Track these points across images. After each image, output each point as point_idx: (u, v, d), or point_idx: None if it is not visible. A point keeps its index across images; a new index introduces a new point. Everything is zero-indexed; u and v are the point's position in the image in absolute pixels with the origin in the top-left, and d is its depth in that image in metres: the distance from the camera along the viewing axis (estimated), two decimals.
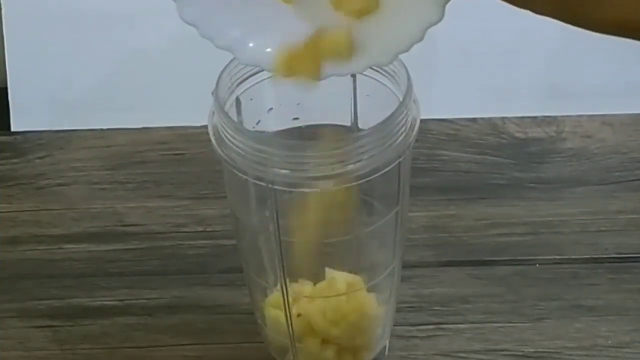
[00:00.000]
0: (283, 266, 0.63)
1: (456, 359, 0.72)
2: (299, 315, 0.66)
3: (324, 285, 0.67)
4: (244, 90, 0.62)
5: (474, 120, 0.89)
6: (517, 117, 0.89)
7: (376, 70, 0.62)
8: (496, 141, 0.88)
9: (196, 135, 0.86)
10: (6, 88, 0.89)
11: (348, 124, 0.66)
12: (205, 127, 0.61)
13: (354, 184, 0.59)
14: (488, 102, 0.89)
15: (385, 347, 0.71)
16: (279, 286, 0.64)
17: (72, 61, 0.89)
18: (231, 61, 0.61)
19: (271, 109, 0.65)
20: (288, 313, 0.65)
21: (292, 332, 0.66)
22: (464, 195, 0.83)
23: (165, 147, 0.88)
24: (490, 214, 0.81)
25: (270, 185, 0.59)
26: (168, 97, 0.89)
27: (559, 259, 0.78)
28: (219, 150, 0.60)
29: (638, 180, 0.84)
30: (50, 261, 0.79)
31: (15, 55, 0.89)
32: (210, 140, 0.60)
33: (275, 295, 0.66)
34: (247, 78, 0.62)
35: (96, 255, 0.79)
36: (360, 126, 0.65)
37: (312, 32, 0.50)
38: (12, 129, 0.89)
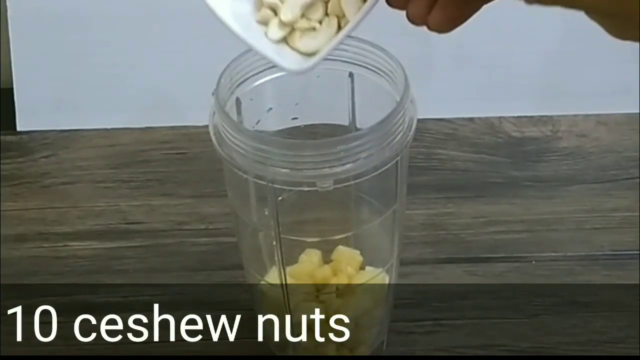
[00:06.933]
0: (283, 263, 0.64)
1: (454, 355, 0.72)
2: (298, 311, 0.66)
3: (322, 282, 0.67)
4: (244, 91, 0.63)
5: (471, 119, 0.90)
6: (513, 117, 0.90)
7: (373, 71, 0.63)
8: (493, 140, 0.88)
9: (198, 135, 0.87)
10: (12, 88, 0.90)
11: (346, 123, 0.66)
12: (207, 126, 0.61)
13: (352, 182, 0.60)
14: (485, 102, 0.90)
15: (383, 342, 0.71)
16: (278, 282, 0.65)
17: (76, 62, 0.90)
18: (232, 62, 0.62)
19: (270, 108, 0.65)
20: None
21: (292, 327, 0.67)
22: (461, 193, 0.84)
23: (168, 147, 0.89)
24: (488, 211, 0.82)
25: (270, 184, 0.59)
26: (170, 97, 0.90)
27: (555, 256, 0.79)
28: (219, 149, 0.60)
29: (632, 178, 0.85)
30: (55, 258, 0.80)
31: (21, 57, 0.89)
32: (211, 140, 0.61)
33: (275, 292, 0.66)
34: (247, 79, 0.63)
35: (100, 252, 0.80)
36: (358, 126, 0.66)
37: None
38: (18, 128, 0.90)
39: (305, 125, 0.66)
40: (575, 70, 0.90)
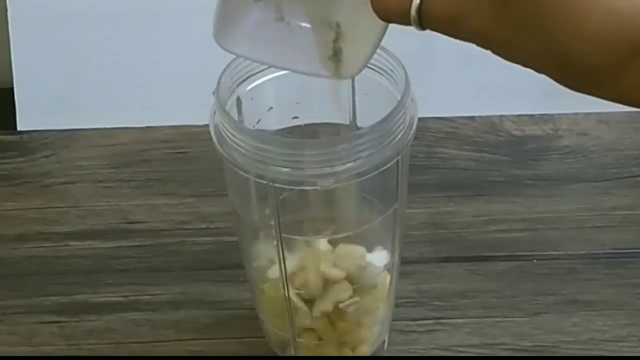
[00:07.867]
0: (284, 262, 0.64)
1: (455, 354, 0.72)
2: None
3: (323, 282, 0.67)
4: (245, 90, 0.63)
5: (472, 118, 0.90)
6: (514, 115, 0.90)
7: (374, 70, 0.63)
8: (494, 139, 0.88)
9: (199, 134, 0.87)
10: (12, 88, 0.90)
11: (347, 122, 0.66)
12: (208, 125, 0.61)
13: (353, 181, 0.60)
14: (486, 101, 0.90)
15: (384, 341, 0.71)
16: (279, 282, 0.65)
17: (76, 62, 0.90)
18: (232, 61, 0.62)
19: (271, 108, 0.65)
20: (288, 308, 0.66)
21: (293, 327, 0.67)
22: (462, 192, 0.84)
23: (168, 146, 0.88)
24: (489, 210, 0.82)
25: (270, 183, 0.59)
26: (171, 97, 0.90)
27: (556, 254, 0.79)
28: (220, 148, 0.60)
29: (633, 177, 0.85)
30: (56, 258, 0.80)
31: (21, 56, 0.89)
32: (212, 139, 0.61)
33: (275, 291, 0.66)
34: (247, 78, 0.63)
35: (101, 252, 0.80)
36: (358, 125, 0.66)
37: None
38: (18, 128, 0.90)
39: (305, 124, 0.66)
40: None
